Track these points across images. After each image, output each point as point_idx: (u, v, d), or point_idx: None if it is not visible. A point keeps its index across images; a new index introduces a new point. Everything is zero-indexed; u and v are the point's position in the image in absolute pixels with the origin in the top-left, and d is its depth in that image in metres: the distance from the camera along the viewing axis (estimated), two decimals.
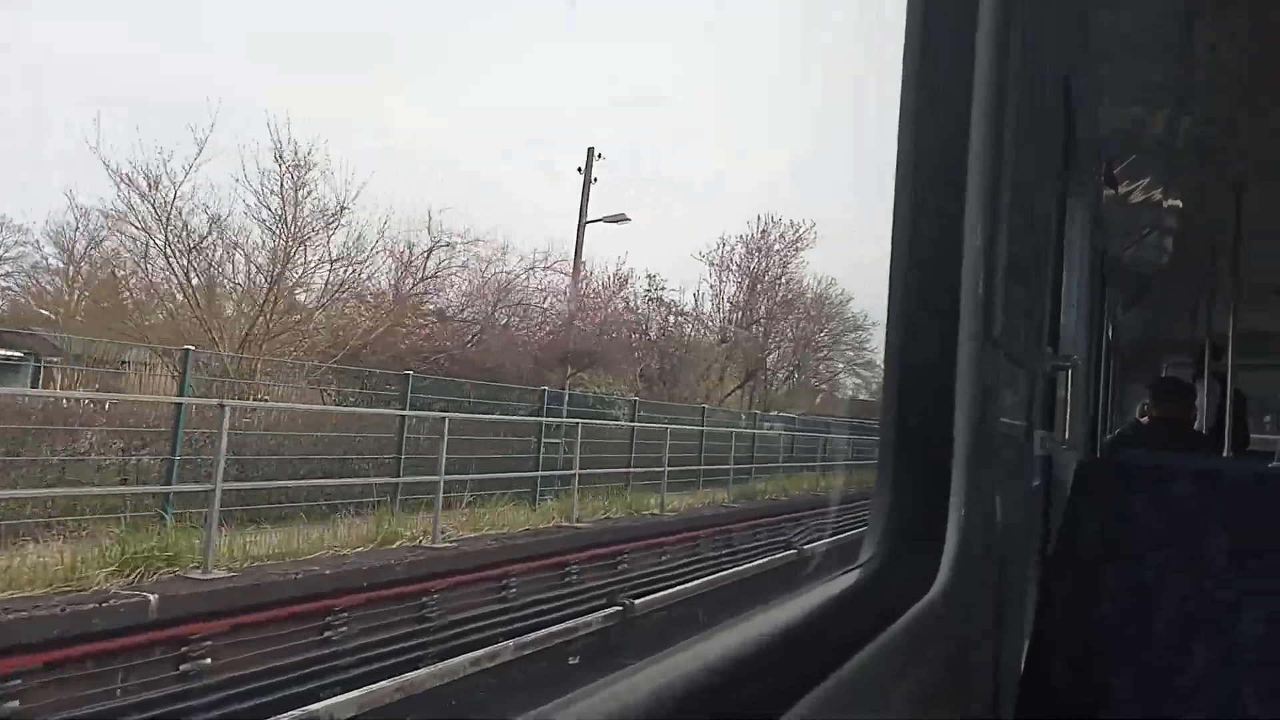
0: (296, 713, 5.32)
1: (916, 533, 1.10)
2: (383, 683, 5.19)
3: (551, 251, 17.49)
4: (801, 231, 26.91)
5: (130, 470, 7.94)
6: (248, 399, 10.33)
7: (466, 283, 15.63)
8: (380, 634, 6.45)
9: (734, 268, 25.70)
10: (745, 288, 25.90)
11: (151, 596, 5.51)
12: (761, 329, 26.74)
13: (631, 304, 23.58)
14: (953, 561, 1.07)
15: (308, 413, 9.98)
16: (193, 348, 8.46)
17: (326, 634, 6.19)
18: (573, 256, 17.81)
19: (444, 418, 8.44)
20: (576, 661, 8.69)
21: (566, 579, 9.30)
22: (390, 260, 14.50)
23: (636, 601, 9.41)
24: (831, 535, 15.61)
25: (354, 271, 13.07)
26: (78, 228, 14.61)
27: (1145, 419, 5.10)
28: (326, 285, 12.80)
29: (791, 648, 0.76)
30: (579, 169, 19.54)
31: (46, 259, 15.55)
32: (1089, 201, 3.10)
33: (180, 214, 11.96)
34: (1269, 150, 2.91)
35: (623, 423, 14.49)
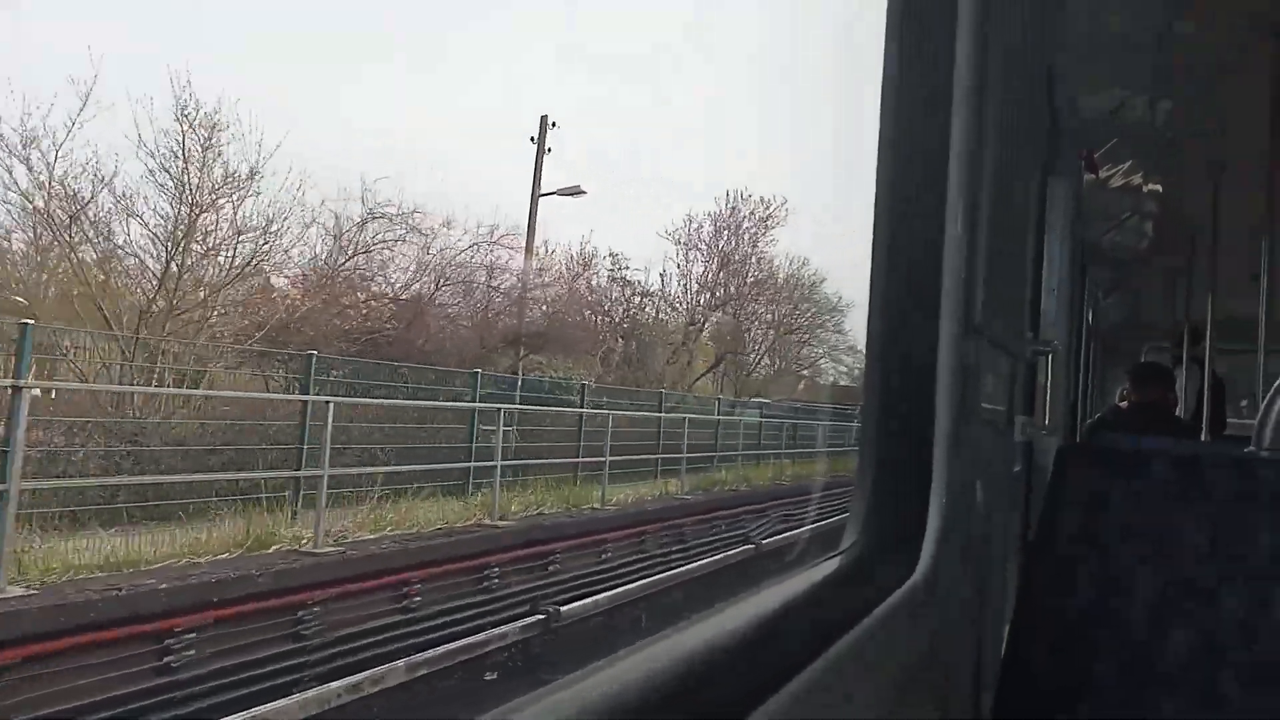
0: None
1: (898, 519, 1.11)
2: None
3: (501, 226, 16.16)
4: (772, 209, 25.63)
5: None
6: (138, 383, 9.12)
7: (406, 259, 14.33)
8: (212, 663, 5.32)
9: (702, 246, 24.45)
10: (714, 267, 24.69)
11: None
12: (732, 310, 25.58)
13: (594, 284, 22.29)
14: (934, 547, 1.09)
15: (190, 398, 8.75)
16: (31, 321, 7.23)
17: (138, 666, 5.04)
18: (525, 232, 16.49)
19: (329, 402, 7.23)
20: (494, 678, 7.81)
21: (483, 585, 8.52)
22: (317, 233, 13.22)
23: (563, 609, 8.77)
24: (793, 528, 14.61)
25: (267, 244, 11.79)
26: None
27: (1125, 403, 5.15)
28: (232, 258, 11.50)
29: (770, 636, 0.76)
30: (531, 138, 18.24)
31: None
32: (1069, 187, 3.17)
33: (64, 176, 10.62)
34: (1246, 136, 3.01)
35: (565, 409, 13.33)
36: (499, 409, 9.82)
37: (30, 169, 10.79)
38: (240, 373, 11.94)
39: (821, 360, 29.42)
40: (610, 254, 23.91)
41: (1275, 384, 1.75)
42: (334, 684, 5.62)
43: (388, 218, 14.48)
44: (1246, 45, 2.47)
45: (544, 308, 17.52)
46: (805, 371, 30.81)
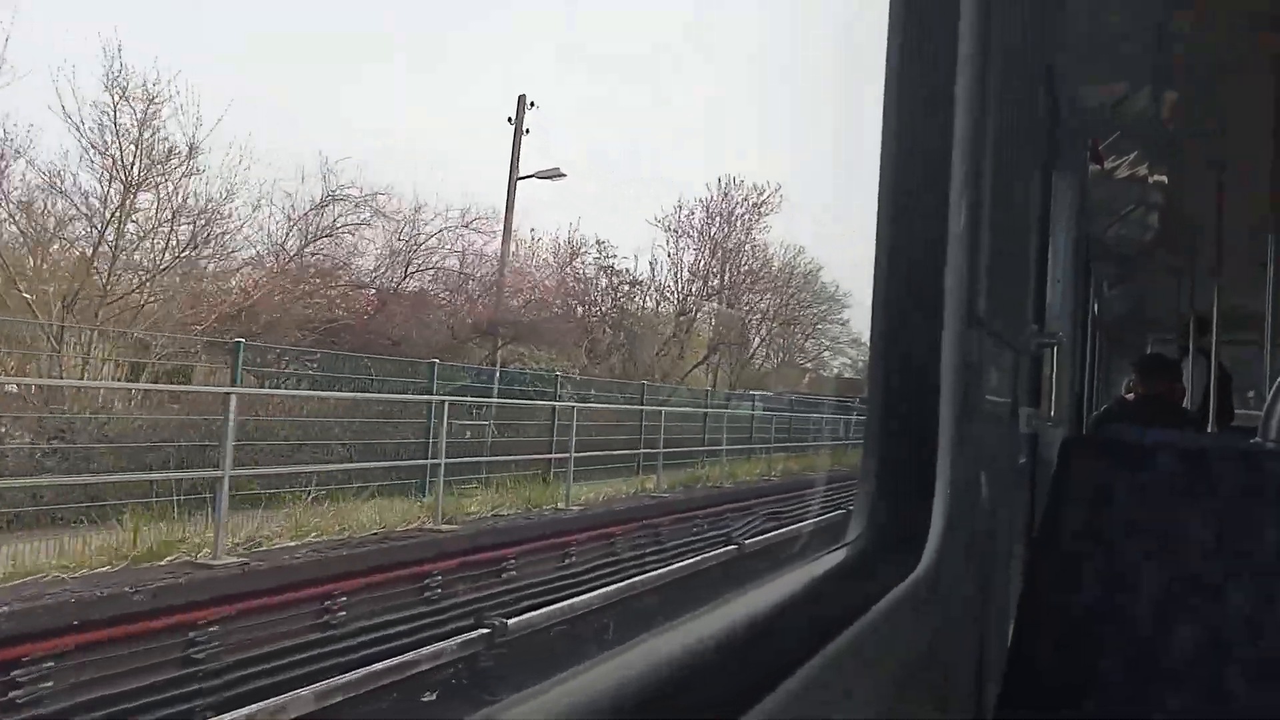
0: None
1: (902, 512, 1.13)
2: None
3: (474, 209, 15.23)
4: (766, 195, 24.60)
5: None
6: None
7: (369, 243, 13.44)
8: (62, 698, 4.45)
9: (693, 233, 23.48)
10: (705, 255, 23.71)
11: None
12: (726, 299, 24.63)
13: (580, 273, 21.42)
14: (938, 542, 1.11)
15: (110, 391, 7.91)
16: None
17: None
18: (503, 216, 15.56)
19: (229, 394, 6.34)
20: (431, 699, 7.06)
21: (419, 597, 7.79)
22: (270, 215, 12.33)
23: (510, 622, 8.04)
24: (781, 527, 14.09)
25: (208, 225, 10.90)
26: None
27: (1130, 395, 5.21)
28: (169, 240, 10.61)
29: (770, 632, 0.76)
30: (509, 119, 17.32)
31: None
32: (1073, 179, 3.18)
33: None
34: (1249, 128, 3.04)
35: (533, 403, 12.44)
36: (445, 401, 8.88)
37: None
38: (185, 363, 11.04)
39: (825, 352, 28.46)
40: (597, 241, 22.88)
41: None
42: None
43: (350, 200, 13.54)
44: (1248, 41, 2.50)
45: (522, 296, 16.54)
46: (808, 364, 29.89)
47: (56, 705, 4.83)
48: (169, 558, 6.24)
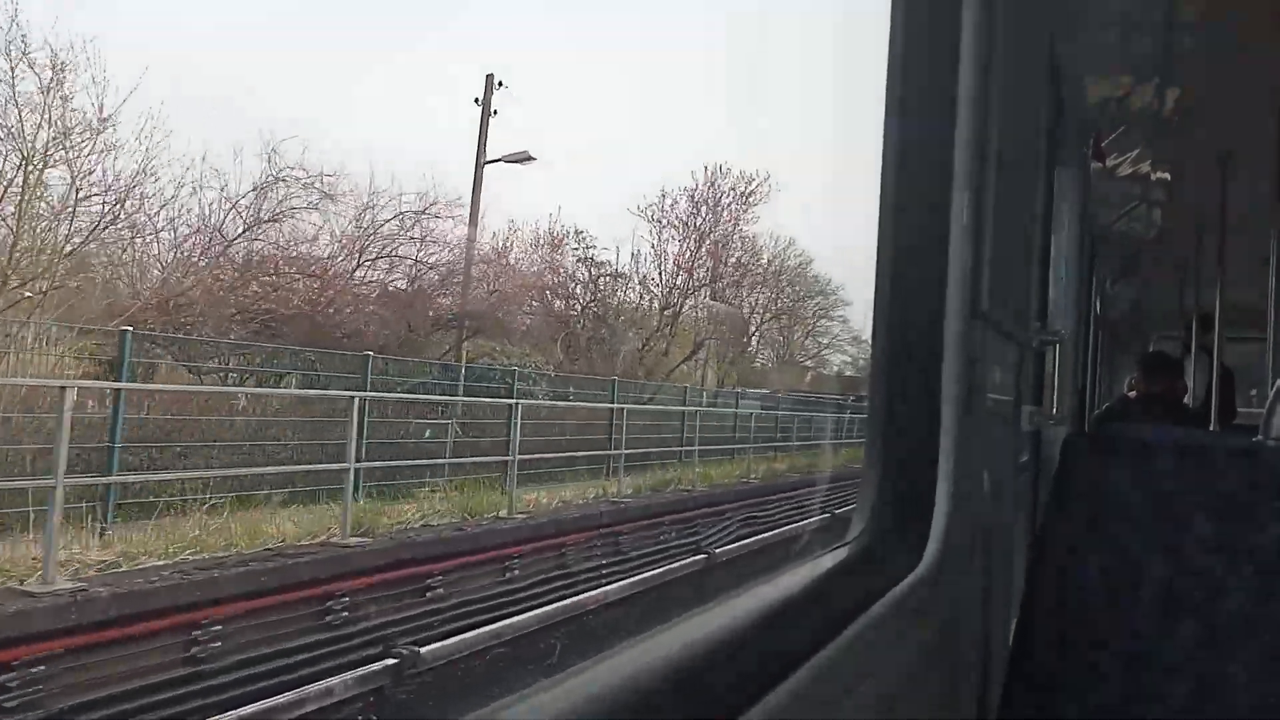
0: None
1: (905, 509, 1.15)
2: None
3: (436, 194, 14.17)
4: (754, 185, 23.49)
5: None
6: None
7: (319, 230, 12.40)
8: None
9: (678, 224, 22.40)
10: (692, 246, 22.66)
11: None
12: (713, 293, 23.58)
13: (559, 266, 20.43)
14: (941, 537, 1.13)
15: None
16: None
17: None
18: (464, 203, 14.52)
19: (64, 388, 5.29)
20: None
21: (321, 623, 6.84)
22: (200, 196, 11.30)
23: (424, 650, 7.12)
24: (758, 533, 13.24)
25: (120, 204, 9.87)
26: None
27: (1133, 393, 5.27)
28: (71, 219, 9.59)
29: (776, 626, 0.78)
30: (476, 99, 16.32)
31: None
32: (1077, 174, 3.18)
33: None
34: (1255, 121, 3.06)
35: (478, 399, 11.47)
36: (353, 397, 7.81)
37: None
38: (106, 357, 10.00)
39: (824, 350, 27.62)
40: (576, 231, 21.86)
41: None
42: None
43: (297, 182, 12.51)
44: (1254, 31, 2.50)
45: (486, 286, 15.49)
46: (808, 362, 29.03)
47: None
48: None
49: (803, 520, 15.12)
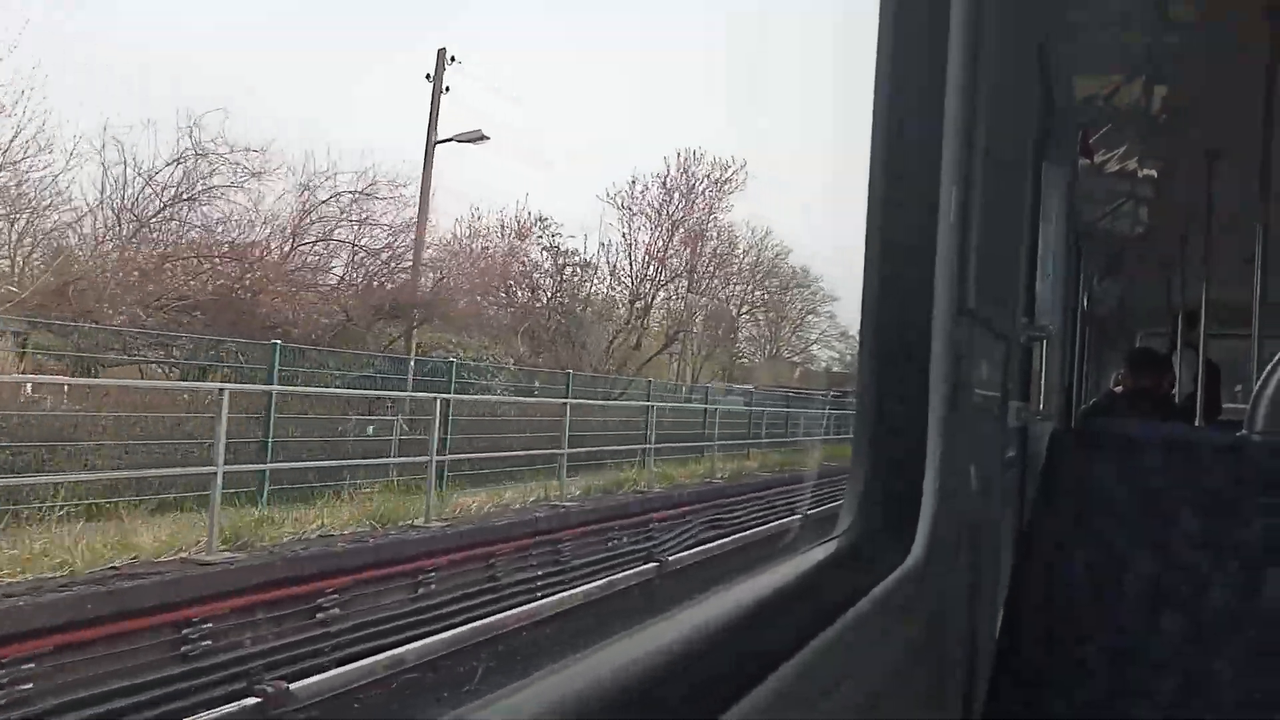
0: None
1: (892, 504, 1.16)
2: None
3: (375, 174, 13.05)
4: (731, 172, 22.44)
5: None
6: None
7: (245, 210, 11.28)
8: None
9: (650, 211, 21.36)
10: (665, 235, 21.61)
11: None
12: (689, 284, 22.60)
13: (518, 252, 19.42)
14: (928, 532, 1.13)
15: None
16: None
17: None
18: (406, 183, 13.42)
19: None
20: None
21: (177, 653, 5.79)
22: (104, 170, 10.17)
23: (292, 687, 6.04)
24: (721, 536, 12.17)
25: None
26: None
27: (1119, 388, 5.38)
28: None
29: (762, 622, 0.78)
30: (427, 75, 15.26)
31: None
32: (1064, 171, 3.20)
33: None
34: (1242, 119, 3.06)
35: (395, 393, 10.48)
36: (222, 389, 6.72)
37: None
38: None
39: (813, 346, 27.00)
40: (540, 219, 20.81)
41: (1267, 369, 1.77)
42: None
43: (220, 158, 11.38)
44: (1241, 28, 2.54)
45: (437, 273, 14.44)
46: (795, 358, 28.45)
47: None
48: None
49: (772, 522, 14.18)
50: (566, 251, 21.53)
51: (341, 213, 13.38)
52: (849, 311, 26.50)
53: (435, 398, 9.83)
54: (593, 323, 20.59)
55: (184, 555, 6.36)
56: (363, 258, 13.78)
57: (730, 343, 26.57)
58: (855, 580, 0.94)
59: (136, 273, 10.50)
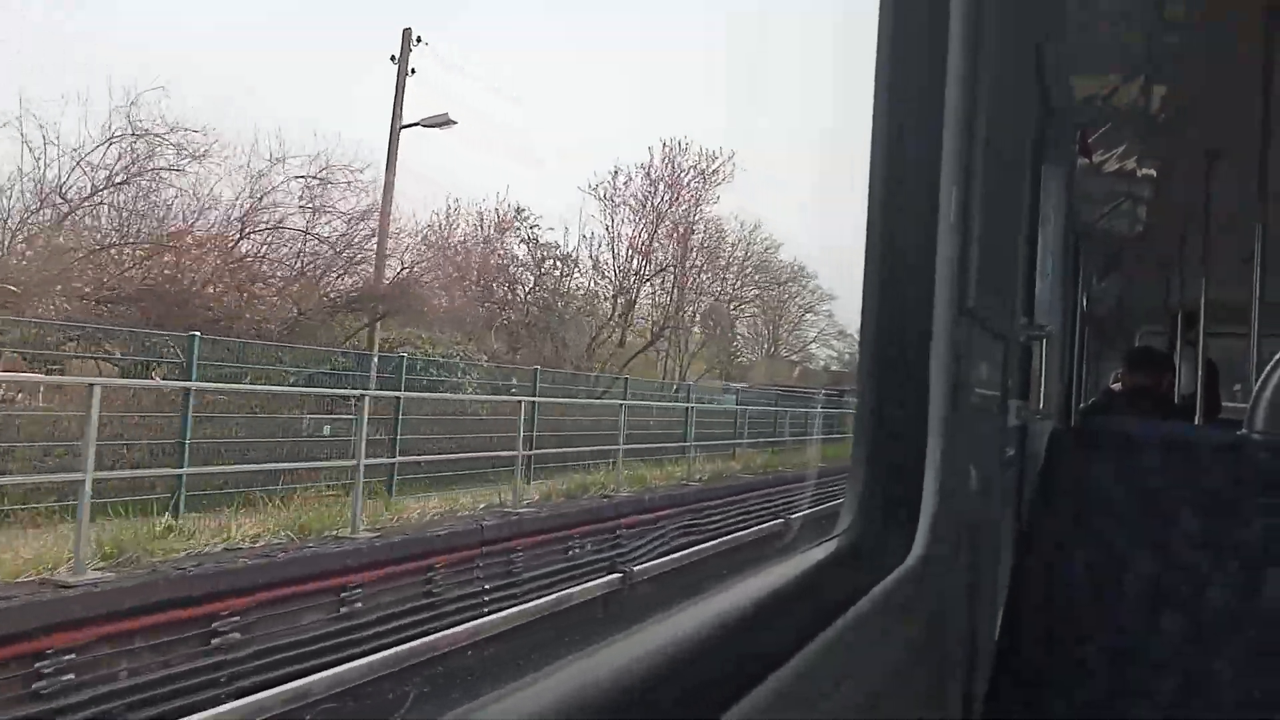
0: None
1: (892, 503, 1.16)
2: None
3: (326, 157, 12.20)
4: (718, 163, 21.61)
5: None
6: None
7: (187, 194, 10.44)
8: None
9: (632, 202, 20.55)
10: (650, 227, 20.79)
11: None
12: (670, 277, 21.82)
13: (494, 244, 18.68)
14: (928, 531, 1.14)
15: None
16: None
17: None
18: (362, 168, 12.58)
19: None
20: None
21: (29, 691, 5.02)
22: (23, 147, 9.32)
23: None
24: (700, 542, 11.36)
25: None
26: None
27: (1117, 385, 5.34)
28: None
29: (761, 622, 0.77)
30: (392, 57, 14.48)
31: None
32: (1063, 171, 3.23)
33: None
34: (1241, 119, 3.09)
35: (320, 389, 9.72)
36: (91, 384, 5.84)
37: None
38: None
39: (811, 345, 26.59)
40: (517, 210, 20.02)
41: (1267, 368, 1.77)
42: None
43: (158, 138, 10.52)
44: (1240, 27, 2.56)
45: (400, 264, 13.60)
46: (794, 356, 28.04)
47: None
48: None
49: (753, 527, 13.35)
50: (546, 244, 20.71)
51: (290, 197, 12.51)
52: (847, 311, 26.08)
53: (363, 394, 8.83)
54: (572, 318, 19.78)
55: (45, 576, 5.52)
56: (317, 247, 12.96)
57: (728, 341, 25.91)
58: (855, 579, 0.95)
59: (57, 262, 9.66)
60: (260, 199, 12.06)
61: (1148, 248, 5.44)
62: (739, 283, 25.78)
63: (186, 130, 11.34)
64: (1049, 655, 1.58)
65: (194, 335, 8.75)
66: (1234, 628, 1.50)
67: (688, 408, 17.03)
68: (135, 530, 6.85)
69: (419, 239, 16.16)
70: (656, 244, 23.02)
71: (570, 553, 10.19)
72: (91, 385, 6.44)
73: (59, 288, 9.64)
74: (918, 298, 1.14)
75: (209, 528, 7.51)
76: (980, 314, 1.32)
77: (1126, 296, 7.58)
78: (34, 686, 5.08)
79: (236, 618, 6.34)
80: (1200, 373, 4.46)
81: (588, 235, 24.10)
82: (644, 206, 23.12)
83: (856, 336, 1.30)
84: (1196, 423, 4.31)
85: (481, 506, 9.85)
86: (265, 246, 12.35)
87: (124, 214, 10.97)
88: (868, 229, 1.14)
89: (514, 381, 15.52)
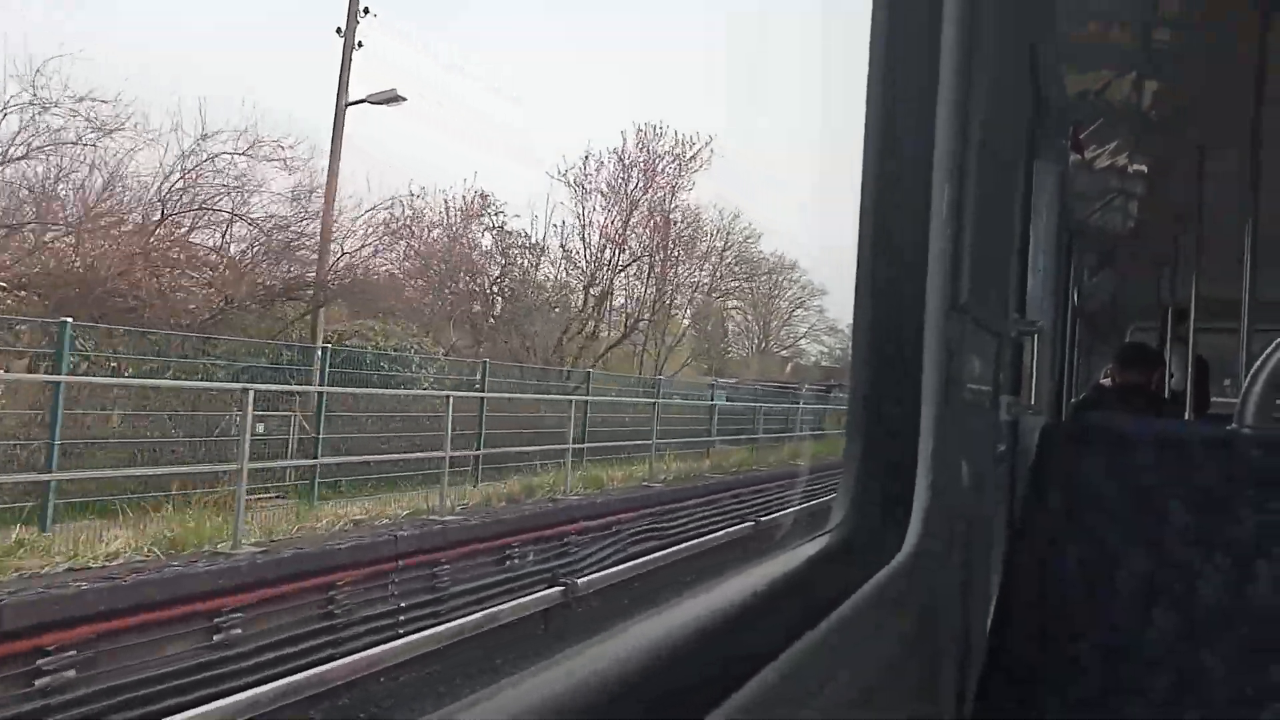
0: None
1: (884, 499, 1.17)
2: None
3: (258, 131, 11.17)
4: (696, 149, 20.67)
5: None
6: None
7: (95, 171, 9.40)
8: None
9: (604, 189, 19.57)
10: (623, 215, 19.85)
11: None
12: (646, 267, 20.95)
13: (457, 233, 17.76)
14: (921, 526, 1.15)
15: None
16: None
17: None
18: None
19: None
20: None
21: None
22: None
23: None
24: (654, 550, 10.42)
25: None
26: None
27: (1108, 380, 5.34)
28: None
29: (751, 618, 0.77)
30: (338, 29, 13.47)
31: None
32: (1055, 167, 3.24)
33: None
34: (1232, 116, 3.13)
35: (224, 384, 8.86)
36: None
37: None
38: None
39: (802, 340, 26.22)
40: (481, 195, 19.07)
41: (1256, 363, 1.78)
42: None
43: (58, 107, 9.48)
44: (1234, 26, 2.58)
45: (343, 249, 12.59)
46: (784, 352, 27.67)
47: None
48: None
49: (717, 531, 12.41)
50: (511, 232, 19.73)
51: (216, 175, 11.42)
52: (839, 306, 25.38)
53: (247, 388, 7.39)
54: (538, 309, 18.83)
55: None
56: (246, 231, 11.98)
57: (719, 337, 25.19)
58: (848, 575, 0.95)
59: None
60: (178, 176, 11.12)
61: (1140, 244, 5.52)
62: (719, 273, 24.86)
63: (90, 99, 10.43)
64: (1041, 651, 1.58)
65: (65, 321, 7.84)
66: (1226, 624, 1.50)
67: (653, 403, 16.14)
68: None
69: (379, 225, 15.25)
70: (631, 232, 22.09)
71: (507, 564, 9.26)
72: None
73: None
74: (911, 294, 1.14)
75: (77, 542, 6.58)
76: (973, 310, 1.33)
77: (1118, 292, 7.69)
78: None
79: (74, 650, 5.42)
80: (1190, 369, 4.57)
81: (559, 224, 23.21)
82: (617, 193, 22.17)
83: (848, 332, 1.32)
84: (1187, 418, 4.38)
85: (404, 514, 8.92)
86: (185, 230, 11.37)
87: (30, 192, 10.09)
88: (860, 225, 1.14)
89: (477, 377, 14.59)
